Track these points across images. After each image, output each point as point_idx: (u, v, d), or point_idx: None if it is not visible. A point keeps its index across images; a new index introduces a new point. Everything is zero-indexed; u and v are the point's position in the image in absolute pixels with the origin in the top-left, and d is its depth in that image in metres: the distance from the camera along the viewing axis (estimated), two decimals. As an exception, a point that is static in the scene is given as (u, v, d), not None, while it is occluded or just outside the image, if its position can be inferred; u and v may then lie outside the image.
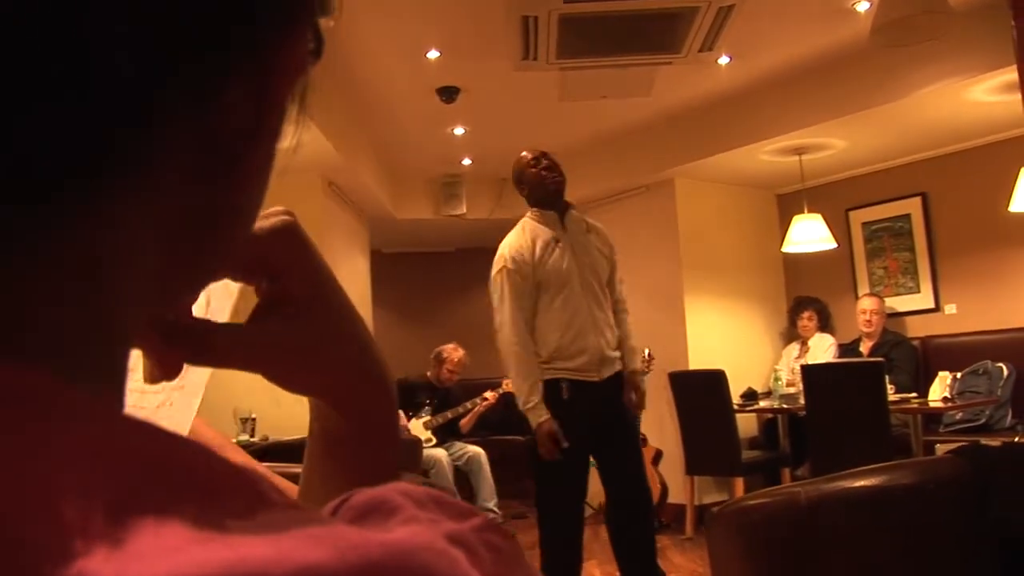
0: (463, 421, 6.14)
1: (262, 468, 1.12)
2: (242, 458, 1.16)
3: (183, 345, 0.38)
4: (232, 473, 0.22)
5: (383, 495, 0.25)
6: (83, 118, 0.24)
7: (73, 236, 0.25)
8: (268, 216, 0.41)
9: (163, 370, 0.38)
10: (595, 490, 3.74)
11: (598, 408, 3.38)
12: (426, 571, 0.20)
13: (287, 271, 0.41)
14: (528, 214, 3.52)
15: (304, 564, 0.19)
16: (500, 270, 3.45)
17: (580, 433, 3.34)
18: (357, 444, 0.44)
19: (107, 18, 0.23)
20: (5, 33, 0.22)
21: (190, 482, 0.21)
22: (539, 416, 3.27)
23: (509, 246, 3.45)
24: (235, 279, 0.41)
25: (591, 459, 3.50)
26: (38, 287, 0.25)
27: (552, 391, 3.34)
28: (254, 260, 0.40)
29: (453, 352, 6.33)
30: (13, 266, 0.24)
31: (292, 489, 0.50)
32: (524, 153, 3.53)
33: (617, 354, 3.47)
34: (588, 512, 4.32)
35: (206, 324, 0.39)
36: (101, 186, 0.25)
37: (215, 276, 0.35)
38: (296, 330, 0.41)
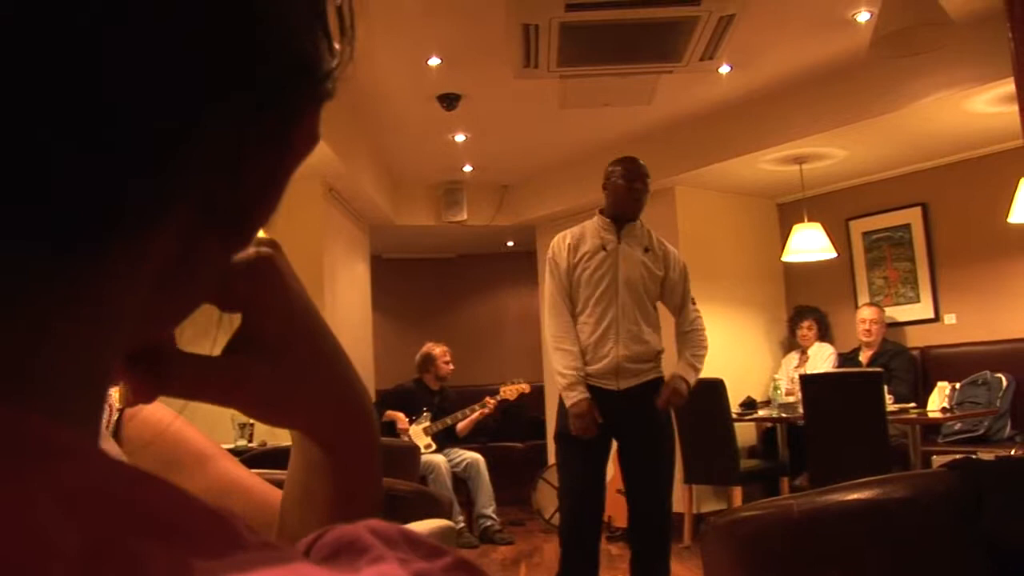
0: (460, 425, 6.13)
1: (256, 478, 1.12)
2: (235, 467, 1.16)
3: (147, 372, 0.38)
4: (207, 514, 0.23)
5: (353, 533, 0.25)
6: (112, 176, 0.24)
7: (81, 281, 0.26)
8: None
9: (140, 395, 0.38)
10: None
11: (618, 418, 3.43)
12: None
13: (260, 305, 0.41)
14: (596, 216, 3.60)
15: None
16: (547, 258, 3.64)
17: (597, 436, 3.41)
18: (335, 475, 0.44)
19: (136, 88, 0.24)
20: (43, 103, 0.23)
21: (165, 524, 0.22)
22: (572, 395, 3.38)
23: (559, 235, 3.62)
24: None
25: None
26: (42, 329, 0.25)
27: None
28: (226, 290, 0.39)
29: (436, 347, 6.33)
30: (27, 307, 0.25)
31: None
32: (616, 167, 3.54)
33: (644, 367, 3.48)
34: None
35: (179, 351, 0.38)
36: (113, 238, 0.26)
37: (199, 307, 0.35)
38: (269, 365, 0.40)
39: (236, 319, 0.41)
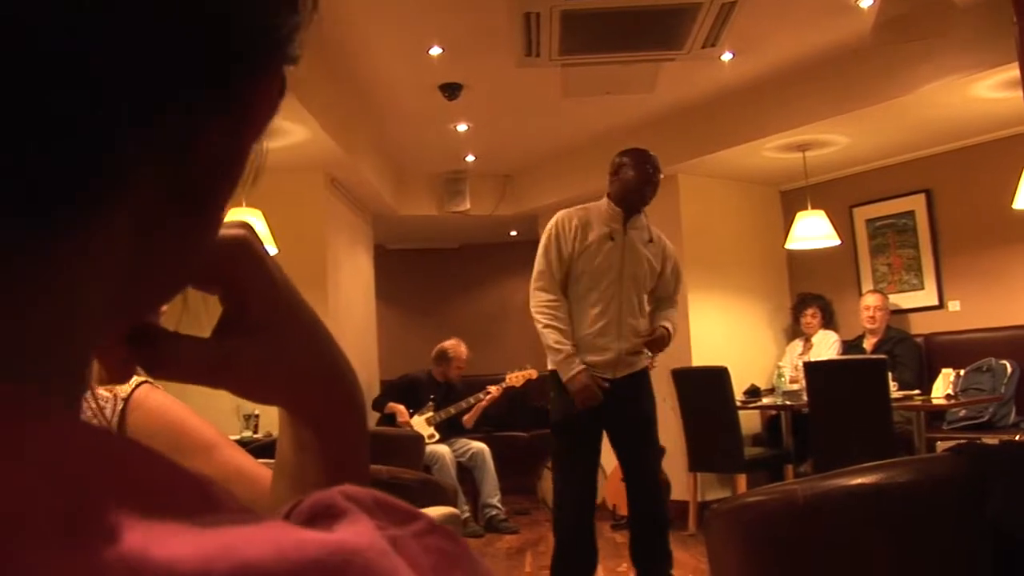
0: (466, 417, 6.14)
1: (262, 467, 1.12)
2: (241, 456, 1.16)
3: (144, 353, 0.38)
4: (183, 477, 0.23)
5: (328, 499, 0.26)
6: (73, 151, 0.25)
7: (53, 262, 0.26)
8: (223, 228, 0.41)
9: (114, 374, 0.38)
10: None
11: (609, 405, 3.43)
12: (366, 570, 0.21)
13: (240, 285, 0.41)
14: (604, 200, 3.55)
15: (245, 560, 0.20)
16: (547, 231, 3.53)
17: (589, 424, 3.43)
18: (324, 451, 0.45)
19: (87, 67, 0.24)
20: (11, 84, 0.23)
21: (140, 485, 0.22)
22: (571, 368, 3.34)
23: (565, 213, 3.53)
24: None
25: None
26: (19, 302, 0.25)
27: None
28: (205, 271, 0.40)
29: (457, 347, 6.33)
30: (5, 290, 0.25)
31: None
32: (626, 157, 3.52)
33: (639, 358, 3.50)
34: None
35: (171, 334, 0.39)
36: (81, 212, 0.26)
37: (180, 290, 0.36)
38: (253, 345, 0.41)
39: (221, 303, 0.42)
